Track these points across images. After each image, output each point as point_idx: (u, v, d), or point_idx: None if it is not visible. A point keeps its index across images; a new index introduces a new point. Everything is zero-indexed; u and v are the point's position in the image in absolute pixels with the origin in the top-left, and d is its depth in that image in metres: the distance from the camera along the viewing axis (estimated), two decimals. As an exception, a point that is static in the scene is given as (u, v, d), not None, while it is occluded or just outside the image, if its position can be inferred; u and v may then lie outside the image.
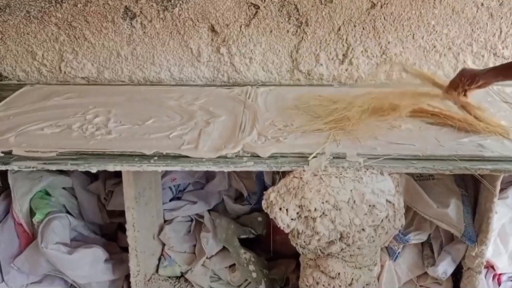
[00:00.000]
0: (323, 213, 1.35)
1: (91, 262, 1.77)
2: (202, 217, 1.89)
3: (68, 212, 1.88)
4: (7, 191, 1.83)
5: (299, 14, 2.06)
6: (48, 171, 1.80)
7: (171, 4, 2.07)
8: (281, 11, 2.06)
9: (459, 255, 1.65)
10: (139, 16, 2.09)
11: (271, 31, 2.10)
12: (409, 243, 1.67)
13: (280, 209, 1.37)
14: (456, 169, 1.42)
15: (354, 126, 1.62)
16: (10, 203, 1.82)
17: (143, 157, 1.50)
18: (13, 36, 2.15)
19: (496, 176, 1.46)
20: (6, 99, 1.97)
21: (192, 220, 1.93)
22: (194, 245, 1.90)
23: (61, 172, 1.87)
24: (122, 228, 1.89)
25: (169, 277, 1.88)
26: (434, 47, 2.09)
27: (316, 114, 1.75)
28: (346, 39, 2.09)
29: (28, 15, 2.11)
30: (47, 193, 1.86)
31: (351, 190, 1.37)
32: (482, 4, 2.02)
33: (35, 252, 1.76)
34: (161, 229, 1.89)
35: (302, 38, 2.10)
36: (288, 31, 2.10)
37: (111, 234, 1.99)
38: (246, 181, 1.92)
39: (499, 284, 1.72)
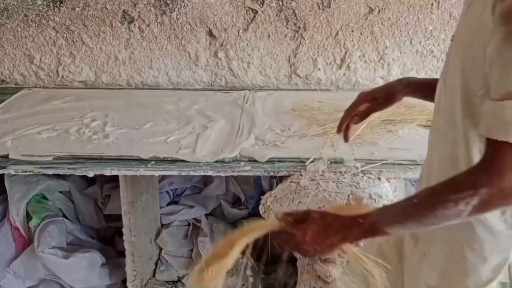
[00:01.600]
0: (320, 218, 1.34)
1: (87, 267, 1.77)
2: (199, 221, 1.89)
3: (65, 216, 1.87)
4: (3, 195, 1.83)
5: (297, 19, 2.06)
6: (45, 175, 1.80)
7: (169, 9, 2.07)
8: (279, 15, 2.06)
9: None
10: (137, 20, 2.09)
11: (269, 36, 2.10)
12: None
13: (277, 214, 1.37)
14: (453, 174, 1.42)
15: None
16: (7, 207, 1.81)
17: (140, 161, 1.50)
18: (11, 39, 2.15)
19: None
20: (3, 102, 1.97)
21: (189, 225, 1.93)
22: (191, 250, 1.89)
23: (58, 176, 1.86)
24: (119, 232, 1.88)
25: (166, 282, 1.87)
26: (432, 52, 2.10)
27: (314, 119, 1.75)
28: (344, 44, 2.09)
29: (26, 18, 2.11)
30: (44, 197, 1.86)
31: (348, 195, 1.36)
32: (479, 10, 2.03)
33: (32, 256, 1.75)
34: (158, 234, 1.89)
35: (300, 42, 2.10)
36: (286, 35, 2.10)
37: (108, 238, 1.99)
38: (244, 185, 1.91)
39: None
